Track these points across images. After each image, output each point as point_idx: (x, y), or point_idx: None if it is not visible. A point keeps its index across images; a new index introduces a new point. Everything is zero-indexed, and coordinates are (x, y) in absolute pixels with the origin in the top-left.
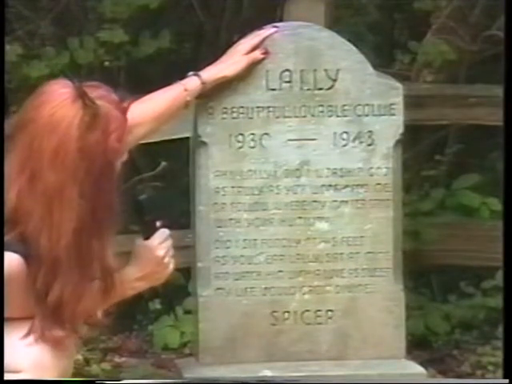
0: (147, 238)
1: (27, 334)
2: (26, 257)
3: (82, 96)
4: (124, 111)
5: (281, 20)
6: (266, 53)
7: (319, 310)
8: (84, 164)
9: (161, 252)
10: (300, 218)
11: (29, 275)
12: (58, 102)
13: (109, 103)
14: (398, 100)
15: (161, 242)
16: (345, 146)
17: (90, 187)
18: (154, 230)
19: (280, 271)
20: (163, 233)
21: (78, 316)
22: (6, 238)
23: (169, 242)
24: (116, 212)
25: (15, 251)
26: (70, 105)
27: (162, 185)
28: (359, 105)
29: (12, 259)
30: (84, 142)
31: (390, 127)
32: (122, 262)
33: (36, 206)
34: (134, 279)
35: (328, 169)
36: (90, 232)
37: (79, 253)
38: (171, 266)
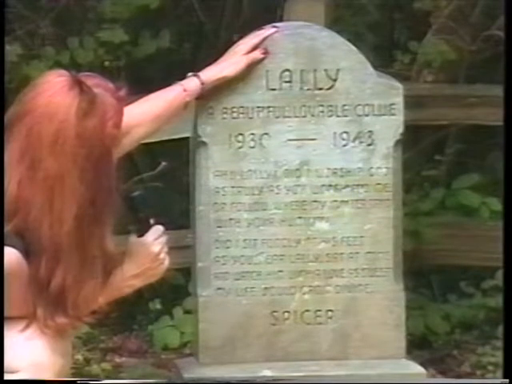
0: (141, 235)
1: (27, 326)
2: (24, 250)
3: (78, 83)
4: (120, 99)
5: (281, 20)
6: (266, 53)
7: (319, 310)
8: (83, 150)
9: (156, 248)
10: (300, 218)
11: (29, 266)
12: (55, 90)
13: (105, 91)
14: (398, 100)
15: (155, 238)
16: (345, 145)
17: (90, 173)
18: (148, 227)
19: (280, 271)
20: (157, 229)
21: (81, 302)
22: (6, 230)
23: (163, 238)
24: (115, 198)
25: (12, 246)
26: (66, 92)
27: (162, 185)
28: (359, 105)
29: (9, 254)
30: (82, 128)
31: (390, 127)
32: (121, 259)
33: (37, 193)
34: (130, 276)
35: (328, 169)
36: (90, 218)
37: (80, 239)
38: (166, 262)
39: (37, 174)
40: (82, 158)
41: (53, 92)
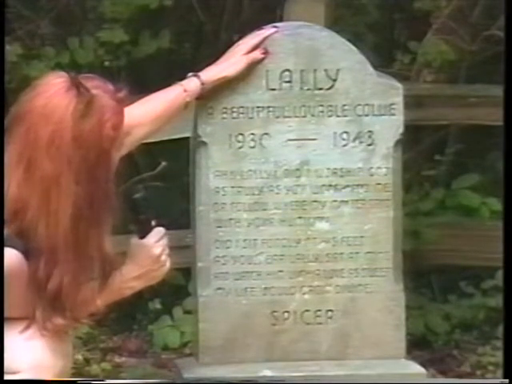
0: (143, 237)
1: (27, 327)
2: (25, 251)
3: (76, 84)
4: (120, 101)
5: (281, 20)
6: (266, 53)
7: (319, 310)
8: (79, 151)
9: (157, 250)
10: (300, 218)
11: (29, 268)
12: (53, 91)
13: (104, 92)
14: (398, 100)
15: (157, 241)
16: (345, 145)
17: (86, 175)
18: (150, 228)
19: (280, 271)
20: (159, 231)
21: (79, 303)
22: (6, 231)
23: (165, 240)
24: (113, 200)
25: (13, 246)
26: (64, 93)
27: (162, 185)
28: (359, 105)
29: (10, 255)
30: (79, 129)
31: (390, 127)
32: (120, 261)
33: (33, 194)
34: (130, 278)
35: (328, 169)
36: (87, 219)
37: (77, 240)
38: (168, 264)
39: (34, 174)
40: (79, 160)
41: (50, 93)
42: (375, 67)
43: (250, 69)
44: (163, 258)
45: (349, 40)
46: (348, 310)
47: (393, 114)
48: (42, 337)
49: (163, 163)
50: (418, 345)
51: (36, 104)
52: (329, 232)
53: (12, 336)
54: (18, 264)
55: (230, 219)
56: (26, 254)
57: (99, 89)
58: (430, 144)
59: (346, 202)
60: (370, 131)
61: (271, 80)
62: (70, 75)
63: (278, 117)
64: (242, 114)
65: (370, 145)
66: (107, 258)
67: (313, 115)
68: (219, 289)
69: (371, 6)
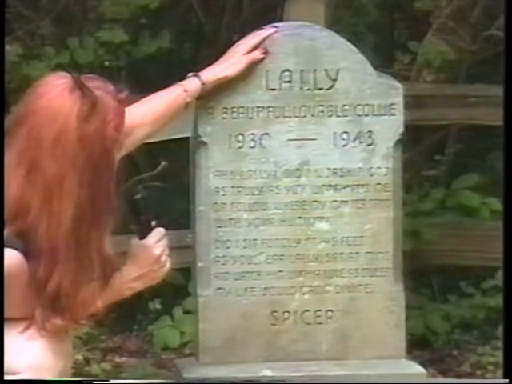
0: (143, 237)
1: (27, 328)
2: (25, 252)
3: (79, 86)
4: (121, 101)
5: (281, 20)
6: (266, 53)
7: (319, 310)
8: (83, 153)
9: (157, 251)
10: (300, 217)
11: (29, 268)
12: (56, 92)
13: (106, 93)
14: (398, 100)
15: (157, 241)
16: (345, 145)
17: (89, 176)
18: (150, 229)
19: (280, 271)
20: (159, 232)
21: (78, 305)
22: (7, 231)
23: (165, 241)
24: (114, 201)
25: (13, 247)
26: (67, 95)
27: (162, 185)
28: (359, 105)
29: (11, 255)
30: (83, 130)
31: (390, 127)
32: (120, 262)
33: (35, 195)
34: (131, 279)
35: (328, 169)
36: (88, 220)
37: (78, 241)
38: (168, 265)
39: (36, 175)
40: (83, 161)
41: (53, 95)
42: (375, 67)
43: (250, 69)
44: (163, 258)
45: (349, 40)
46: (348, 310)
47: (393, 114)
48: (42, 337)
49: (163, 163)
50: (418, 345)
51: (39, 105)
52: (329, 232)
53: (12, 336)
54: (19, 264)
55: (230, 219)
56: (26, 254)
57: (101, 89)
58: (430, 144)
59: (346, 202)
60: (369, 131)
61: (271, 80)
62: (72, 76)
63: (277, 117)
64: (242, 114)
65: (370, 145)
66: (107, 258)
67: (313, 115)
68: (219, 289)
69: (371, 6)
